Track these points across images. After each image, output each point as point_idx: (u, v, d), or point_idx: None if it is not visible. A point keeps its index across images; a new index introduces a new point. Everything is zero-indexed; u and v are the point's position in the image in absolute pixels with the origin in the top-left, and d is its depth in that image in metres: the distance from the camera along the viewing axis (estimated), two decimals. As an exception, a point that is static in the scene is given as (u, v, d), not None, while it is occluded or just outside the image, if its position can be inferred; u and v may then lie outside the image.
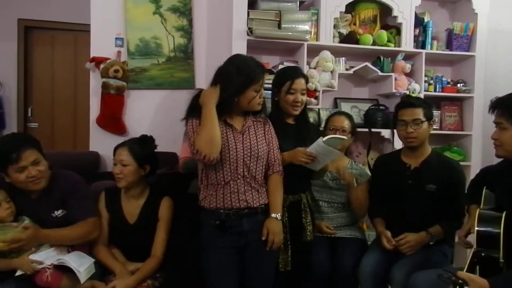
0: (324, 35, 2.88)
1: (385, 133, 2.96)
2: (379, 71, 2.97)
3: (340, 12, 2.92)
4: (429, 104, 2.27)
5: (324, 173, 2.30)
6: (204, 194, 1.85)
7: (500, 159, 1.83)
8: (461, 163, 2.71)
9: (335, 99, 3.13)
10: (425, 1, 3.09)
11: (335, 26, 2.94)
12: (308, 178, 2.19)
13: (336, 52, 2.93)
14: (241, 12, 2.70)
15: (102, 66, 2.73)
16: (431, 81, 3.14)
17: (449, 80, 3.22)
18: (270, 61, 2.95)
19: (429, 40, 3.07)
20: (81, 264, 1.83)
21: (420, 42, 3.07)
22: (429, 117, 2.19)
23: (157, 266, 1.98)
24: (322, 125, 2.65)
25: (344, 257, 2.21)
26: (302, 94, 2.11)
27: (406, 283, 1.96)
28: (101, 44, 2.80)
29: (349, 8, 2.98)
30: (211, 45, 2.96)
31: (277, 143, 1.96)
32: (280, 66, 2.72)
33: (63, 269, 1.80)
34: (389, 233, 2.16)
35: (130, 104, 2.87)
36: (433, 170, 2.18)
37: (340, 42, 2.95)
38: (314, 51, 2.88)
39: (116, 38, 2.83)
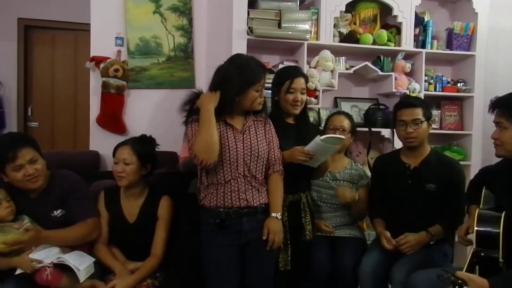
0: (324, 35, 2.88)
1: (385, 132, 2.96)
2: (379, 71, 2.97)
3: (340, 12, 2.92)
4: (427, 103, 2.27)
5: (324, 173, 2.30)
6: (204, 193, 1.85)
7: (500, 159, 1.83)
8: (461, 162, 2.72)
9: (335, 98, 3.13)
10: (425, 1, 3.09)
11: (335, 26, 2.94)
12: (308, 178, 2.19)
13: (336, 52, 2.93)
14: (241, 11, 2.70)
15: (102, 65, 2.73)
16: (431, 81, 3.14)
17: (449, 80, 3.22)
18: (270, 60, 2.95)
19: (429, 39, 3.07)
20: (80, 263, 1.84)
21: (420, 42, 3.07)
22: (428, 117, 2.19)
23: (157, 265, 1.98)
24: (322, 125, 2.65)
25: (344, 256, 2.22)
26: (302, 93, 2.11)
27: (406, 282, 1.96)
28: (101, 44, 2.80)
29: (349, 8, 2.98)
30: (211, 44, 2.96)
31: (278, 142, 1.96)
32: (280, 66, 2.72)
33: (63, 268, 1.80)
34: (388, 234, 2.16)
35: (130, 103, 2.87)
36: (433, 170, 2.18)
37: (340, 41, 2.95)
38: (314, 50, 2.88)
39: (116, 38, 2.83)
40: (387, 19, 3.13)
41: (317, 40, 2.88)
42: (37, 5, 4.34)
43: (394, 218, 2.23)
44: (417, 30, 3.04)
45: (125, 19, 2.82)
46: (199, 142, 1.73)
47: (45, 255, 1.82)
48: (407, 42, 3.00)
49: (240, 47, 2.66)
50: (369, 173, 2.52)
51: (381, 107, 3.06)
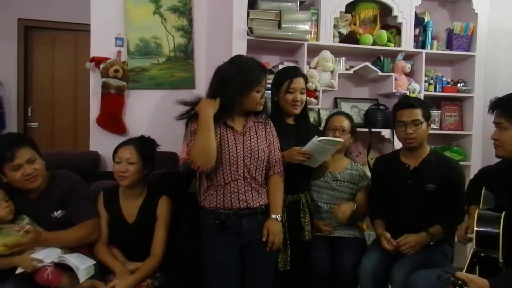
0: (324, 35, 2.88)
1: (385, 133, 2.96)
2: (379, 71, 2.97)
3: (340, 12, 2.92)
4: (427, 103, 2.27)
5: (324, 174, 2.30)
6: (204, 194, 1.85)
7: (499, 159, 1.83)
8: (461, 163, 2.71)
9: (335, 99, 3.13)
10: (425, 1, 3.09)
11: (335, 26, 2.94)
12: (307, 178, 2.19)
13: (336, 52, 2.93)
14: (241, 12, 2.70)
15: (102, 66, 2.73)
16: (431, 81, 3.14)
17: (449, 80, 3.22)
18: (270, 61, 2.95)
19: (429, 40, 3.07)
20: (81, 264, 1.84)
21: (420, 42, 3.07)
22: (427, 117, 2.20)
23: (156, 265, 1.98)
24: (322, 125, 2.65)
25: (344, 257, 2.22)
26: (302, 93, 2.11)
27: (406, 283, 1.96)
28: (101, 44, 2.80)
29: (349, 8, 2.98)
30: (211, 45, 2.96)
31: (278, 144, 1.95)
32: (280, 66, 2.72)
33: (63, 268, 1.80)
34: (388, 235, 2.16)
35: (130, 104, 2.87)
36: (433, 170, 2.18)
37: (340, 42, 2.95)
38: (314, 51, 2.88)
39: (116, 38, 2.83)
40: (387, 20, 3.13)
41: (317, 40, 2.88)
42: (37, 6, 4.35)
43: (394, 218, 2.23)
44: (417, 30, 3.04)
45: (125, 20, 2.82)
46: (197, 148, 1.74)
47: (46, 255, 1.82)
48: (407, 43, 3.00)
49: (240, 47, 2.67)
50: (369, 174, 2.52)
51: (381, 107, 3.06)
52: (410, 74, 3.06)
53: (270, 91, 2.19)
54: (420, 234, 2.12)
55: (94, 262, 1.91)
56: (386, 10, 3.05)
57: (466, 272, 1.56)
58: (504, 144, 1.69)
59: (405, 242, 2.11)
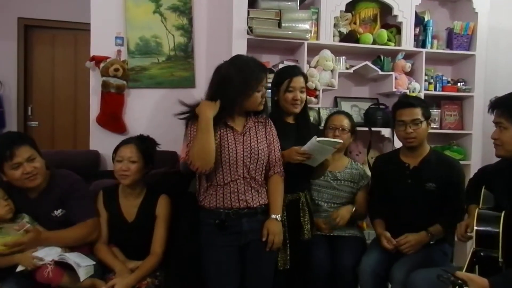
0: (324, 34, 2.88)
1: (385, 132, 2.96)
2: (379, 70, 2.97)
3: (340, 11, 2.92)
4: (426, 103, 2.27)
5: (324, 173, 2.29)
6: (204, 194, 1.85)
7: (499, 159, 1.83)
8: (461, 162, 2.71)
9: (335, 98, 3.13)
10: (425, 0, 3.09)
11: (335, 25, 2.94)
12: (307, 177, 2.19)
13: (336, 51, 2.93)
14: (241, 11, 2.70)
15: (102, 65, 2.73)
16: (431, 80, 3.14)
17: (449, 79, 3.22)
18: (270, 60, 2.95)
19: (429, 39, 3.07)
20: (81, 262, 1.84)
21: (420, 41, 3.07)
22: (427, 116, 2.19)
23: (156, 264, 1.98)
24: (322, 124, 2.65)
25: (344, 256, 2.22)
26: (301, 92, 2.11)
27: (406, 282, 1.96)
28: (101, 43, 2.80)
29: (349, 7, 2.98)
30: (211, 44, 2.96)
31: (279, 144, 1.95)
32: (280, 65, 2.71)
33: (63, 267, 1.80)
34: (388, 234, 2.16)
35: (130, 103, 2.87)
36: (432, 169, 2.18)
37: (340, 41, 2.95)
38: (314, 50, 2.88)
39: (116, 37, 2.83)
40: (387, 19, 3.13)
41: (317, 39, 2.88)
42: (37, 5, 4.34)
43: (394, 217, 2.23)
44: (417, 29, 3.04)
45: (125, 19, 2.82)
46: (196, 150, 1.74)
47: (46, 254, 1.82)
48: (407, 42, 3.00)
49: (240, 46, 2.66)
50: (369, 173, 2.52)
51: (381, 106, 3.07)
52: (410, 73, 3.06)
53: (270, 90, 2.19)
54: (420, 233, 2.12)
55: (94, 262, 1.91)
56: (386, 9, 3.05)
57: (466, 271, 1.56)
58: (504, 144, 1.69)
59: (405, 241, 2.11)
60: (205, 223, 1.85)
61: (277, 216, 1.86)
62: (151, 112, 2.89)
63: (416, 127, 2.15)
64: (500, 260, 1.60)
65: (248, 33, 2.70)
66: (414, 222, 2.16)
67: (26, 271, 1.77)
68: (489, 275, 1.47)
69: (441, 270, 1.51)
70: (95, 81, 2.82)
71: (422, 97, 2.90)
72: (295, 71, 2.17)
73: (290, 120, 2.16)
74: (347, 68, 2.96)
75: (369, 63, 2.97)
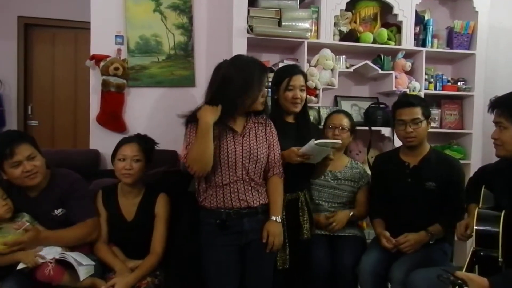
0: (325, 33, 2.87)
1: (385, 131, 2.96)
2: (379, 69, 2.97)
3: (341, 10, 2.91)
4: (426, 102, 2.26)
5: (324, 173, 2.29)
6: (204, 195, 1.85)
7: (498, 158, 1.82)
8: (461, 161, 2.72)
9: (335, 97, 3.13)
10: (426, -1, 3.09)
11: (335, 24, 2.93)
12: (306, 177, 2.19)
13: (337, 50, 2.92)
14: (241, 10, 2.69)
15: (102, 64, 2.73)
16: (432, 80, 3.14)
17: (449, 79, 3.22)
18: (270, 59, 2.95)
19: (429, 38, 3.07)
20: (81, 261, 1.84)
21: (420, 40, 3.07)
22: (427, 116, 2.20)
23: (156, 263, 1.98)
24: (322, 123, 2.65)
25: (344, 255, 2.22)
26: (301, 90, 2.11)
27: (405, 281, 1.96)
28: (101, 42, 2.80)
29: (350, 6, 2.97)
30: (211, 43, 2.95)
31: (278, 145, 1.95)
32: (280, 64, 2.71)
33: (64, 265, 1.80)
34: (387, 233, 2.16)
35: (130, 102, 2.86)
36: (432, 168, 2.18)
37: (341, 40, 2.94)
38: (315, 49, 2.87)
39: (116, 36, 2.82)
40: (387, 18, 3.13)
41: (317, 38, 2.88)
42: (37, 3, 4.33)
43: (394, 217, 2.23)
44: (418, 28, 3.03)
45: (125, 18, 2.81)
46: (194, 154, 1.74)
47: (46, 253, 1.82)
48: (407, 41, 3.00)
49: (240, 45, 2.66)
50: (369, 172, 2.52)
51: (381, 105, 3.06)
52: (410, 73, 3.06)
53: (269, 89, 2.18)
54: (420, 233, 2.12)
55: (94, 263, 1.91)
56: (386, 8, 3.04)
57: (465, 271, 1.56)
58: (505, 144, 1.69)
59: (405, 240, 2.11)
60: (206, 223, 1.85)
61: (277, 218, 1.86)
62: (151, 111, 2.88)
63: (416, 126, 2.15)
64: (500, 259, 1.60)
65: (248, 32, 2.70)
66: (414, 221, 2.16)
67: (27, 270, 1.77)
68: (489, 274, 1.47)
69: (440, 270, 1.51)
70: (95, 80, 2.82)
71: (422, 96, 2.90)
72: (294, 69, 2.16)
73: (290, 119, 2.16)
74: (347, 67, 2.95)
75: (369, 62, 2.96)
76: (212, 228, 1.82)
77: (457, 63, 3.31)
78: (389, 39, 2.98)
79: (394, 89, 2.94)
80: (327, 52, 2.85)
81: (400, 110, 2.20)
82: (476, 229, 1.66)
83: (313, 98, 2.80)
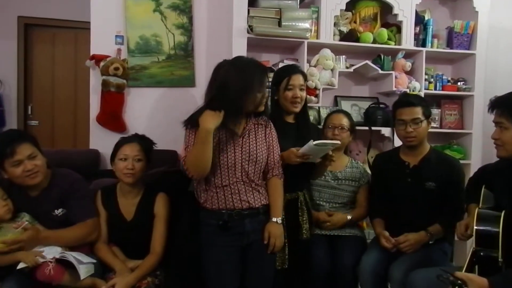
0: (325, 33, 2.88)
1: (385, 131, 2.96)
2: (379, 69, 2.97)
3: (341, 10, 2.91)
4: (427, 101, 2.26)
5: (323, 173, 2.29)
6: (204, 197, 1.84)
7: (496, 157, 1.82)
8: (461, 161, 2.72)
9: (335, 97, 3.13)
10: (426, -1, 3.09)
11: (335, 24, 2.93)
12: (306, 177, 2.19)
13: (337, 50, 2.92)
14: (241, 10, 2.69)
15: (102, 64, 2.73)
16: (432, 79, 3.14)
17: (449, 79, 3.22)
18: (270, 59, 2.95)
19: (429, 38, 3.07)
20: (82, 260, 1.84)
21: (420, 40, 3.07)
22: (427, 115, 2.19)
23: (156, 262, 1.98)
24: (322, 123, 2.65)
25: (344, 255, 2.22)
26: (301, 90, 2.11)
27: (405, 281, 1.96)
28: (101, 42, 2.80)
29: (350, 6, 2.97)
30: (211, 43, 2.95)
31: (278, 146, 1.94)
32: (281, 64, 2.71)
33: (64, 265, 1.80)
34: (387, 233, 2.16)
35: (130, 102, 2.86)
36: (432, 168, 2.18)
37: (341, 40, 2.94)
38: (315, 49, 2.87)
39: (116, 36, 2.82)
40: (387, 18, 3.13)
41: (317, 38, 2.88)
42: (37, 3, 4.33)
43: (393, 216, 2.23)
44: (418, 28, 3.04)
45: (125, 17, 2.82)
46: (192, 159, 1.74)
47: (46, 252, 1.81)
48: (407, 41, 3.00)
49: (240, 45, 2.66)
50: (369, 171, 2.52)
51: (381, 105, 3.07)
52: (410, 73, 3.06)
53: (269, 89, 2.18)
54: (420, 233, 2.12)
55: (95, 261, 1.91)
56: (386, 8, 3.05)
57: (465, 271, 1.56)
58: (505, 144, 1.67)
59: (405, 239, 2.11)
60: (206, 224, 1.85)
61: (278, 219, 1.86)
62: (151, 111, 2.89)
63: (417, 126, 2.15)
64: (500, 260, 1.60)
65: (248, 32, 2.70)
66: (414, 221, 2.16)
67: (27, 269, 1.77)
68: (488, 275, 1.47)
69: (440, 270, 1.51)
70: (95, 80, 2.82)
71: (422, 96, 2.90)
72: (294, 69, 2.17)
73: (290, 119, 2.16)
74: (347, 67, 2.95)
75: (369, 62, 2.97)
76: (213, 229, 1.81)
77: (457, 63, 3.32)
78: (389, 39, 2.98)
79: (394, 89, 2.94)
80: (327, 52, 2.86)
81: (400, 110, 2.20)
82: (476, 229, 1.66)
83: (313, 98, 2.81)
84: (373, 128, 2.92)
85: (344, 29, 2.98)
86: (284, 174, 1.94)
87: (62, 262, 1.80)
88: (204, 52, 2.94)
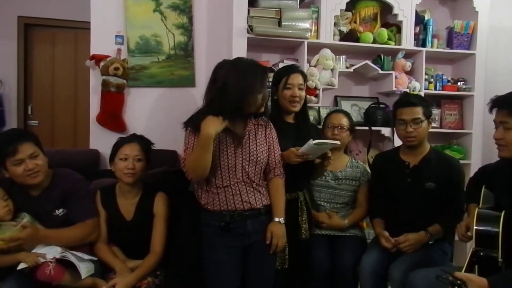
0: (325, 33, 2.88)
1: (385, 131, 2.96)
2: (379, 69, 2.97)
3: (341, 10, 2.91)
4: (427, 101, 2.26)
5: (323, 174, 2.29)
6: (205, 198, 1.84)
7: (499, 158, 1.80)
8: (462, 161, 2.72)
9: (336, 97, 3.13)
10: (426, -1, 3.09)
11: (335, 24, 2.93)
12: (305, 176, 2.19)
13: (337, 50, 2.92)
14: (241, 9, 2.69)
15: (102, 63, 2.73)
16: (432, 79, 3.14)
17: (449, 79, 3.22)
18: (270, 59, 2.95)
19: (429, 38, 3.07)
20: (82, 260, 1.84)
21: (420, 40, 3.07)
22: (428, 115, 2.19)
23: (157, 262, 1.98)
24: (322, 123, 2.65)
25: (344, 255, 2.22)
26: (300, 89, 2.11)
27: (405, 281, 1.96)
28: (101, 42, 2.80)
29: (350, 6, 2.97)
30: (211, 43, 2.95)
31: (279, 146, 1.94)
32: (281, 64, 2.71)
33: (65, 265, 1.80)
34: (386, 233, 2.16)
35: (130, 102, 2.86)
36: (432, 168, 2.18)
37: (341, 40, 2.94)
38: (315, 49, 2.87)
39: (116, 36, 2.82)
40: (387, 18, 3.13)
41: (317, 38, 2.88)
42: (37, 3, 4.34)
43: (393, 216, 2.23)
44: (418, 28, 3.04)
45: (125, 17, 2.82)
46: (192, 163, 1.75)
47: (47, 252, 1.81)
48: (408, 41, 3.00)
49: (240, 45, 2.66)
50: (369, 171, 2.52)
51: (381, 105, 3.07)
52: (410, 73, 3.06)
53: (269, 89, 2.18)
54: (420, 233, 2.12)
55: (95, 258, 1.92)
56: (386, 8, 3.05)
57: (465, 271, 1.56)
58: (509, 144, 1.64)
59: (404, 239, 2.11)
60: (207, 225, 1.85)
61: (280, 219, 1.86)
62: (151, 111, 2.89)
63: (417, 126, 2.15)
64: (499, 260, 1.59)
65: (248, 32, 2.70)
66: (414, 221, 2.15)
67: (27, 269, 1.77)
68: (488, 275, 1.47)
69: (440, 270, 1.51)
70: (95, 80, 2.82)
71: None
72: (293, 68, 2.17)
73: (290, 119, 2.16)
74: (347, 67, 2.95)
75: (369, 62, 2.97)
76: (214, 230, 1.81)
77: (457, 63, 3.32)
78: (389, 39, 2.98)
79: (394, 89, 2.94)
80: (327, 52, 2.86)
81: (401, 110, 2.19)
82: (476, 229, 1.66)
83: (313, 98, 2.81)
84: (373, 128, 2.92)
85: (344, 29, 2.98)
86: (284, 174, 1.94)
87: (62, 262, 1.80)
88: (204, 52, 2.94)
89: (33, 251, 1.81)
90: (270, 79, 2.19)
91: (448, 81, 3.19)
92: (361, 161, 2.83)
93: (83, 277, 1.80)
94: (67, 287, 1.81)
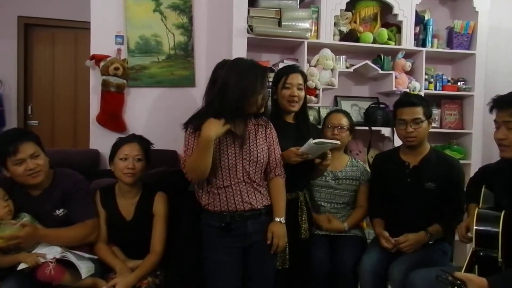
0: (325, 33, 2.88)
1: (385, 131, 2.96)
2: (379, 69, 2.97)
3: (341, 10, 2.92)
4: (428, 101, 2.25)
5: (323, 174, 2.29)
6: (206, 199, 1.84)
7: (499, 158, 1.80)
8: (462, 161, 2.72)
9: (336, 97, 3.13)
10: (426, -1, 3.09)
11: (335, 24, 2.94)
12: (305, 176, 2.19)
13: (337, 50, 2.92)
14: (241, 9, 2.69)
15: (102, 63, 2.73)
16: (432, 79, 3.14)
17: (449, 79, 3.22)
18: (270, 59, 2.95)
19: (429, 38, 3.07)
20: (82, 261, 1.84)
21: (420, 40, 3.07)
22: (428, 115, 2.19)
23: (157, 262, 1.98)
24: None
25: (344, 255, 2.22)
26: (299, 89, 2.11)
27: (405, 281, 1.96)
28: (101, 42, 2.80)
29: (350, 6, 2.97)
30: (211, 43, 2.95)
31: (279, 146, 1.94)
32: (281, 64, 2.72)
33: (65, 265, 1.80)
34: (386, 233, 2.16)
35: (130, 102, 2.86)
36: (432, 168, 2.17)
37: (341, 40, 2.95)
38: (315, 49, 2.87)
39: (116, 36, 2.83)
40: (387, 18, 3.13)
41: (317, 38, 2.88)
42: (37, 3, 4.34)
43: (393, 216, 2.23)
44: (418, 28, 3.04)
45: (125, 17, 2.82)
46: (192, 165, 1.75)
47: (47, 252, 1.81)
48: (408, 41, 3.00)
49: (240, 45, 2.66)
50: (369, 170, 2.52)
51: (381, 105, 3.07)
52: (410, 73, 3.06)
53: (269, 89, 2.18)
54: (419, 233, 2.12)
55: (96, 257, 1.92)
56: (386, 8, 3.05)
57: (465, 271, 1.56)
58: None
59: (404, 239, 2.11)
60: (208, 225, 1.85)
61: (281, 219, 1.86)
62: (151, 111, 2.89)
63: (417, 126, 2.15)
64: (499, 260, 1.59)
65: (248, 32, 2.70)
66: (414, 221, 2.15)
67: (27, 270, 1.76)
68: (488, 275, 1.47)
69: (440, 270, 1.51)
70: (95, 80, 2.82)
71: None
72: (292, 68, 2.18)
73: (290, 119, 2.16)
74: (347, 67, 2.95)
75: (369, 62, 2.97)
76: (215, 230, 1.81)
77: (457, 63, 3.32)
78: (389, 39, 2.98)
79: (394, 89, 2.94)
80: (327, 52, 2.86)
81: (401, 110, 2.19)
82: (476, 229, 1.66)
83: (313, 98, 2.81)
84: (373, 128, 2.92)
85: (344, 29, 2.98)
86: (285, 174, 1.94)
87: (62, 262, 1.80)
88: (204, 52, 2.94)
89: (33, 251, 1.81)
90: (270, 79, 2.19)
91: (448, 81, 3.19)
92: (361, 161, 2.84)
93: (83, 277, 1.80)
94: (68, 287, 1.81)
